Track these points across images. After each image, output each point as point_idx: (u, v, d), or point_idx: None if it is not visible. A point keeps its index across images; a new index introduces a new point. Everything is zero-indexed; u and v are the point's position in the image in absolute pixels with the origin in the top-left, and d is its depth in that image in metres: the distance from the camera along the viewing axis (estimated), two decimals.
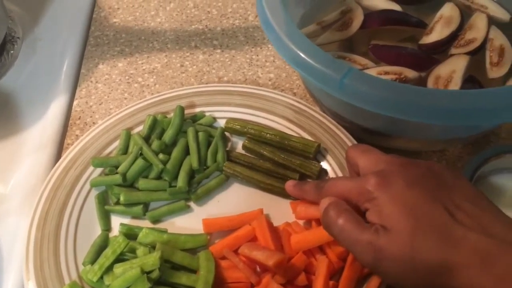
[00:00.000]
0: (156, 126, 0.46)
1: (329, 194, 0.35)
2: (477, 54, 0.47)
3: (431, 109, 0.35)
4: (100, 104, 0.52)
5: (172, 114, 0.46)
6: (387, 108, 0.36)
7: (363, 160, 0.36)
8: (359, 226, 0.32)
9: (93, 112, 0.51)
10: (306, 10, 0.53)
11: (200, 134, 0.45)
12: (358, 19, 0.50)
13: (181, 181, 0.42)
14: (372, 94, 0.36)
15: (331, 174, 0.43)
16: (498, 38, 0.48)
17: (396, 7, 0.52)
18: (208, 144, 0.45)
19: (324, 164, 0.44)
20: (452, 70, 0.45)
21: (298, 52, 0.38)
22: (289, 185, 0.40)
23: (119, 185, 0.42)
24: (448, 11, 0.50)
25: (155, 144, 0.44)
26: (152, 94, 0.53)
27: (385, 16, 0.50)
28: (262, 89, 0.48)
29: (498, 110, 0.35)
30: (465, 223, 0.30)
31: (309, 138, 0.45)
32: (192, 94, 0.49)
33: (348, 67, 0.37)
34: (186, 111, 0.47)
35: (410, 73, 0.45)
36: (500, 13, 0.50)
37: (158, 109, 0.48)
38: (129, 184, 0.43)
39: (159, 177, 0.43)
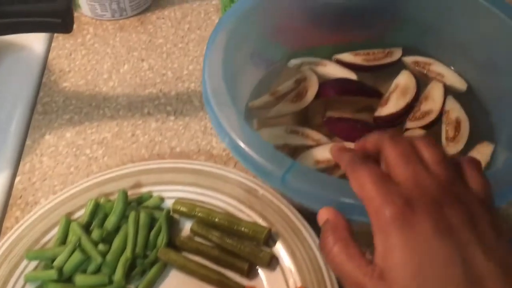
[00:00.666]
0: (98, 212, 0.43)
1: (354, 184, 0.29)
2: (433, 127, 0.46)
3: None
4: (44, 181, 0.49)
5: (117, 195, 0.44)
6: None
7: (402, 169, 0.28)
8: (353, 260, 0.28)
9: (36, 190, 0.48)
10: (260, 78, 0.51)
11: (142, 217, 0.42)
12: (312, 89, 0.49)
13: (118, 275, 0.39)
14: (315, 192, 0.34)
15: (282, 261, 0.41)
16: (454, 110, 0.46)
17: (352, 75, 0.50)
18: (153, 228, 0.43)
19: (276, 249, 0.42)
20: None
21: (239, 142, 0.36)
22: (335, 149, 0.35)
23: (55, 281, 0.40)
24: (404, 80, 0.48)
25: (96, 233, 0.41)
26: (100, 167, 0.50)
27: (340, 86, 0.49)
28: (212, 165, 0.46)
29: None
30: None
31: (260, 220, 0.43)
32: (139, 173, 0.46)
33: (291, 162, 0.35)
34: (132, 191, 0.45)
35: None
36: (457, 82, 0.49)
37: (102, 190, 0.45)
38: (66, 278, 0.40)
39: (99, 270, 0.40)
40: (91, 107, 0.56)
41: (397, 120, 0.46)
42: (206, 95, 0.40)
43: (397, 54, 0.51)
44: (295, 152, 0.45)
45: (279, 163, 0.35)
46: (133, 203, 0.44)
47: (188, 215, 0.44)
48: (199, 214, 0.43)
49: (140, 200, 0.45)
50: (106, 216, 0.43)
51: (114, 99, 0.56)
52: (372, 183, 0.28)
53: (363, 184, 0.28)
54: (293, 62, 0.52)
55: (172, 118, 0.54)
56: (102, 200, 0.44)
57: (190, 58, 0.60)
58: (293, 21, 0.52)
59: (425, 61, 0.50)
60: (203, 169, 0.46)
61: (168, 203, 0.45)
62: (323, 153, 0.44)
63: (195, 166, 0.46)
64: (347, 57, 0.52)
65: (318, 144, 0.45)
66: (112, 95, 0.57)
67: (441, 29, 0.49)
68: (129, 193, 0.45)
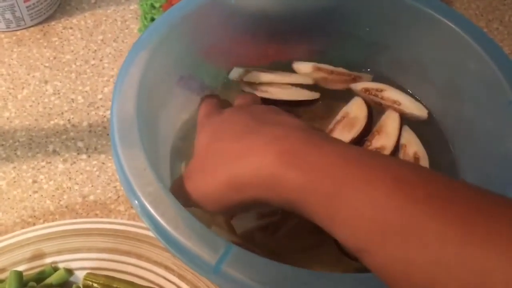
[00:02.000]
0: None
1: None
2: None
3: None
4: None
5: (8, 275, 0.35)
6: None
7: None
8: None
9: None
10: (192, 109, 0.43)
11: None
12: None
13: None
14: (258, 286, 0.26)
15: None
16: (411, 144, 0.41)
17: (306, 94, 0.43)
18: None
19: None
20: None
21: (159, 220, 0.28)
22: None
23: None
24: (354, 109, 0.42)
25: None
26: None
27: None
28: (133, 224, 0.38)
29: None
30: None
31: None
32: (39, 239, 0.37)
33: (227, 246, 0.27)
34: (31, 265, 0.36)
35: None
36: (416, 110, 0.42)
37: None
38: None
39: None
40: None
41: None
42: (113, 137, 0.32)
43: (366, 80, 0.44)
44: None
45: (212, 248, 0.27)
46: (31, 283, 0.35)
47: None
48: None
49: (41, 276, 0.36)
50: None
51: (10, 135, 0.46)
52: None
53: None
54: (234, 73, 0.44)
55: (84, 156, 0.45)
56: None
57: (105, 78, 0.51)
58: (226, 38, 0.44)
59: (376, 87, 0.43)
60: (122, 229, 0.38)
61: (79, 277, 0.36)
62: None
63: (112, 226, 0.38)
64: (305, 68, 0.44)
65: None
66: (7, 129, 0.47)
67: (395, 47, 0.43)
68: (27, 267, 0.36)
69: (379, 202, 0.22)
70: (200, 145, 0.32)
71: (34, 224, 0.40)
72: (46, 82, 0.50)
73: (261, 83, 0.44)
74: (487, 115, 0.38)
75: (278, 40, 0.45)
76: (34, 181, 0.43)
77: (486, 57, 0.37)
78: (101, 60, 0.52)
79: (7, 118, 0.47)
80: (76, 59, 0.52)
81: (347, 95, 0.43)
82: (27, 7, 0.51)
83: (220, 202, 0.29)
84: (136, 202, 0.29)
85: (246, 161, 0.27)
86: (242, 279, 0.26)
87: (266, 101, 0.42)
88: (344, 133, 0.40)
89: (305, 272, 0.26)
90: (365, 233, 0.22)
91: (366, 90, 0.43)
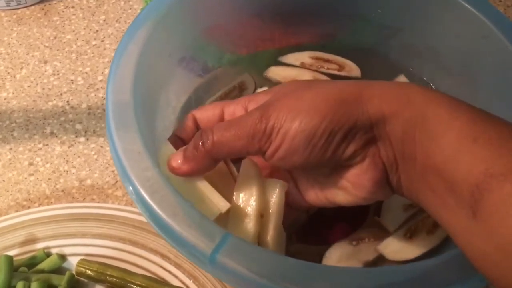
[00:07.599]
0: None
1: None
2: None
3: None
4: None
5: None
6: None
7: None
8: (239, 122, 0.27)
9: None
10: (191, 91, 0.41)
11: (34, 286, 0.32)
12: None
13: None
14: (257, 280, 0.25)
15: None
16: None
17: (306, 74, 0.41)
18: None
19: None
20: None
21: (154, 207, 0.27)
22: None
23: None
24: None
25: None
26: None
27: None
28: (130, 209, 0.37)
29: None
30: None
31: (190, 282, 0.34)
32: (33, 222, 0.36)
33: (223, 234, 0.26)
34: (23, 250, 0.35)
35: None
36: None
37: None
38: None
39: None
40: None
41: None
42: (108, 119, 0.30)
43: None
44: None
45: (207, 237, 0.26)
46: (22, 268, 0.34)
47: (97, 280, 0.34)
48: (112, 279, 0.34)
49: (33, 262, 0.34)
50: None
51: (7, 116, 0.45)
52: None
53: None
54: None
55: (82, 139, 0.44)
56: None
57: (107, 59, 0.49)
58: (230, 18, 0.42)
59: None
60: (118, 215, 0.36)
61: (72, 263, 0.35)
62: None
63: (107, 211, 0.37)
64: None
65: None
66: (4, 110, 0.45)
67: (408, 30, 0.41)
68: (18, 252, 0.35)
69: None
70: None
71: (28, 208, 0.39)
72: (45, 62, 0.48)
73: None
74: (502, 99, 0.36)
75: (285, 22, 0.43)
76: (30, 164, 0.42)
77: (503, 39, 0.35)
78: (102, 41, 0.50)
79: (5, 99, 0.46)
80: (77, 39, 0.50)
81: None
82: None
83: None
84: (131, 188, 0.28)
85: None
86: (238, 269, 0.25)
87: None
88: None
89: (302, 263, 0.25)
90: None
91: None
